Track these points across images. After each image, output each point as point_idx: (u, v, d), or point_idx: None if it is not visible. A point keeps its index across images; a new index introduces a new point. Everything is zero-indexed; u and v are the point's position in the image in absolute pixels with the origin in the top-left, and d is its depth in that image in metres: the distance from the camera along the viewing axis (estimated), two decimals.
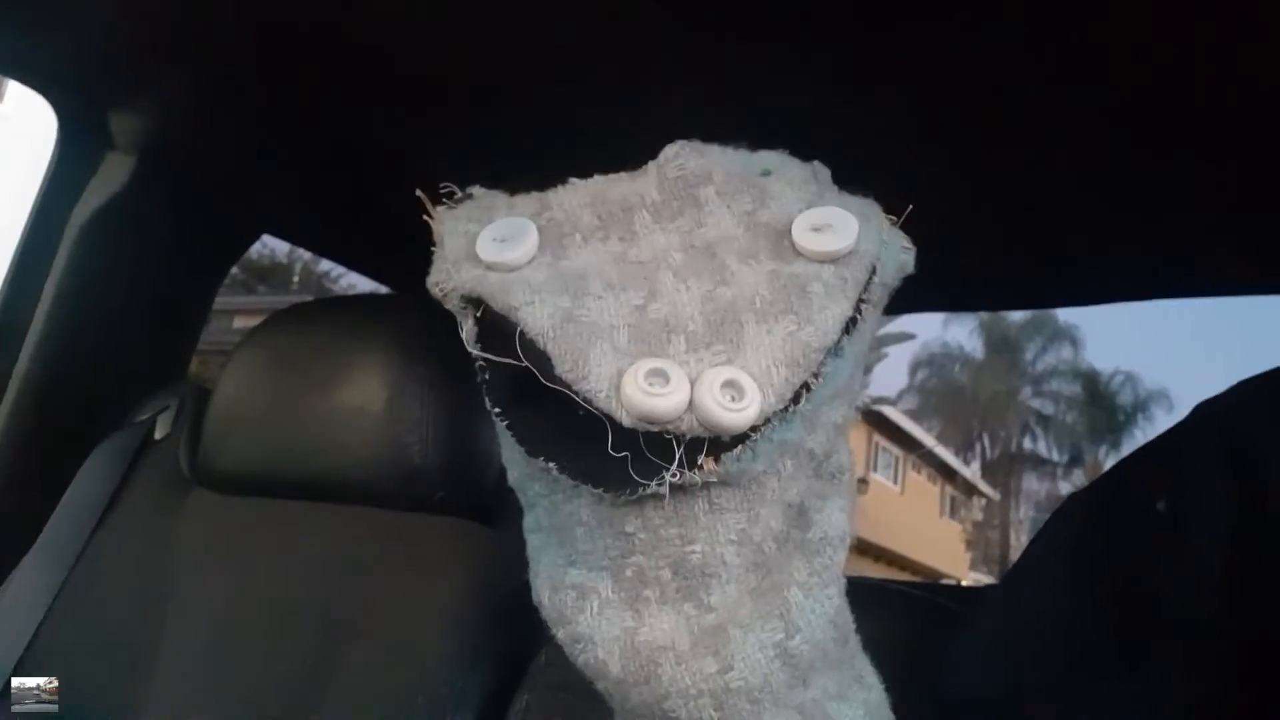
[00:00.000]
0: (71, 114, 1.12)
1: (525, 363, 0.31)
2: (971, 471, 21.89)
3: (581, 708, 0.54)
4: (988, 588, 1.59)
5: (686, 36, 0.86)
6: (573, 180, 0.37)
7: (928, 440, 19.88)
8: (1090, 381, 21.27)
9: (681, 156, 0.37)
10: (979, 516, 22.78)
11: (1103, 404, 21.04)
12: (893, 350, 17.31)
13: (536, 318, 0.32)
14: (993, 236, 1.23)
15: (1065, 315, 20.70)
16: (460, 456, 0.94)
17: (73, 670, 0.94)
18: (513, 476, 0.36)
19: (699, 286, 0.33)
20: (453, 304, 0.34)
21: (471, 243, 0.34)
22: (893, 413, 18.81)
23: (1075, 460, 21.82)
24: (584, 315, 0.32)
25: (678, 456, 0.30)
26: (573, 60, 0.92)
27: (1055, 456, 22.11)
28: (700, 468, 0.30)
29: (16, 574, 1.01)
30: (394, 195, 1.01)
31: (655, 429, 0.30)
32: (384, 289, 1.64)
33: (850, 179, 0.38)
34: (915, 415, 20.54)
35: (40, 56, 1.05)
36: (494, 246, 0.34)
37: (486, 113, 1.02)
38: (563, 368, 0.31)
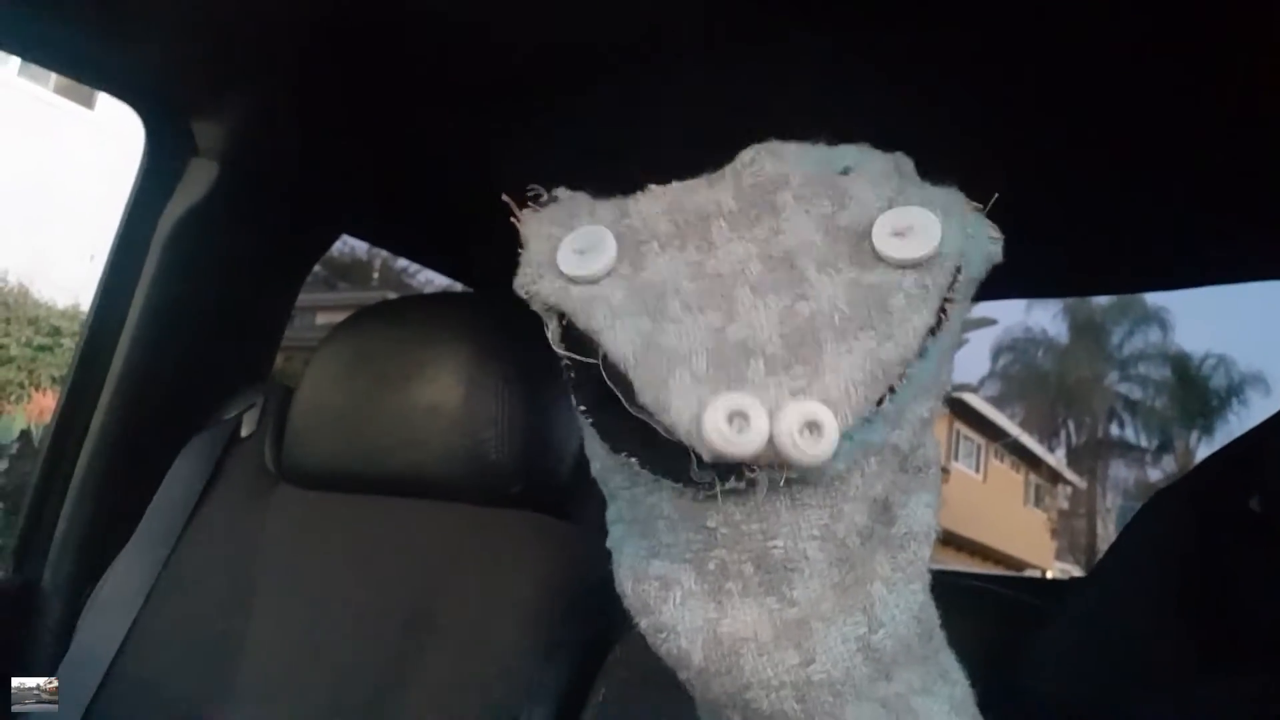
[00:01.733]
0: (158, 124, 1.16)
1: (609, 383, 0.32)
2: (1056, 459, 21.39)
3: (659, 700, 0.54)
4: (1070, 581, 1.55)
5: (760, 22, 0.86)
6: (652, 187, 0.37)
7: (1011, 427, 19.48)
8: (1180, 365, 20.59)
9: (758, 162, 0.36)
10: (1065, 505, 22.27)
11: (1194, 388, 20.35)
12: (974, 335, 16.89)
13: (619, 344, 0.32)
14: (1075, 221, 1.20)
15: (1153, 297, 20.07)
16: (536, 451, 0.95)
17: (168, 659, 0.98)
18: (595, 469, 0.36)
19: (777, 302, 0.32)
20: (538, 307, 0.35)
21: (554, 249, 0.35)
22: (975, 400, 18.46)
23: (1165, 446, 21.19)
24: (664, 340, 0.32)
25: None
26: (647, 51, 0.92)
27: (1144, 443, 21.51)
28: (780, 469, 0.30)
29: (115, 567, 1.05)
30: (469, 194, 1.02)
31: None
32: (459, 285, 1.66)
33: (925, 168, 0.37)
34: (997, 402, 20.14)
35: (128, 70, 1.09)
36: (574, 259, 0.34)
37: (562, 107, 1.03)
38: (645, 397, 0.31)
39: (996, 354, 21.00)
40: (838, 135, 0.38)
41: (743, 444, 0.29)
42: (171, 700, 0.96)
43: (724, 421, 0.29)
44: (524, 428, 0.94)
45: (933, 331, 0.32)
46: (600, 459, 0.35)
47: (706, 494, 0.31)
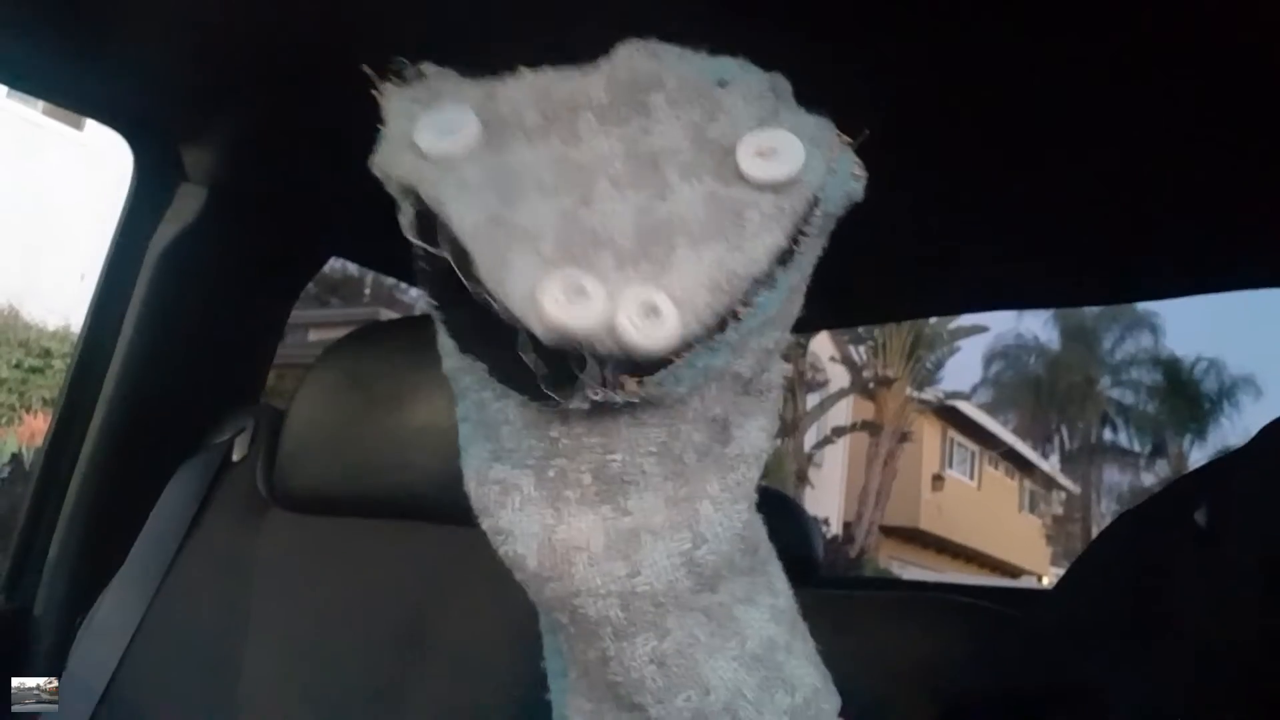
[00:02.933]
0: (146, 149, 1.16)
1: (450, 260, 0.31)
2: (1050, 465, 21.43)
3: None
4: (1046, 592, 1.57)
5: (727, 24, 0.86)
6: (522, 70, 0.36)
7: (1004, 434, 19.51)
8: (1172, 369, 20.65)
9: (635, 58, 0.35)
10: (1059, 511, 22.29)
11: (1186, 392, 20.41)
12: (965, 343, 17.00)
13: (461, 216, 0.31)
14: (1064, 233, 1.21)
15: (1144, 303, 20.15)
16: None
17: (161, 685, 0.98)
18: (446, 366, 0.35)
19: (635, 198, 0.32)
20: (393, 189, 0.34)
21: (413, 127, 0.34)
22: (967, 407, 18.49)
23: (1158, 450, 21.24)
24: (510, 217, 0.31)
25: (601, 375, 0.29)
26: None
27: (1137, 447, 21.54)
28: (622, 387, 0.30)
29: (107, 594, 1.05)
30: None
31: (570, 346, 0.29)
32: None
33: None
34: (990, 409, 20.16)
35: (115, 97, 1.09)
36: (432, 136, 0.33)
37: None
38: (482, 270, 0.30)
39: (988, 361, 21.05)
40: None
41: (578, 316, 0.29)
42: None
43: (560, 292, 0.29)
44: None
45: (783, 262, 0.32)
46: (450, 356, 0.34)
47: (550, 408, 0.31)
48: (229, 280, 1.24)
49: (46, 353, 7.54)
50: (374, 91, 0.35)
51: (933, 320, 14.11)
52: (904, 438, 14.72)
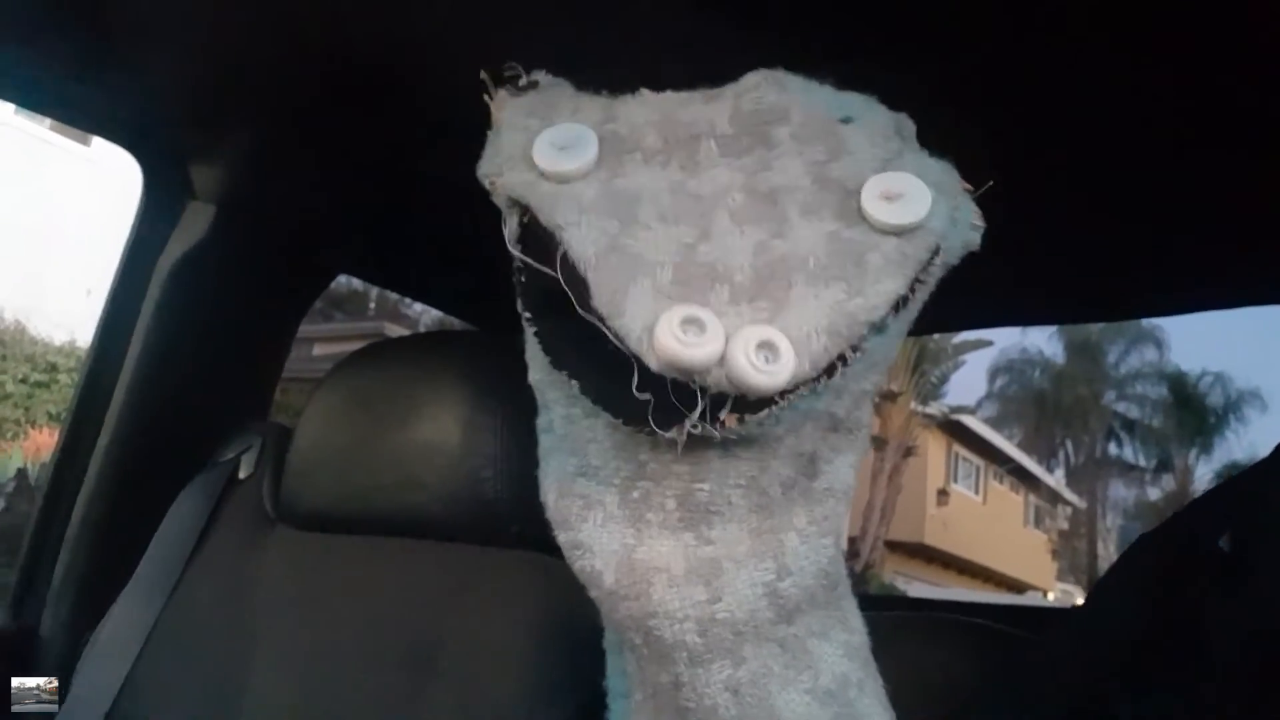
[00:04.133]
0: (155, 167, 1.17)
1: (563, 283, 0.31)
2: (1055, 479, 21.35)
3: None
4: (1057, 613, 1.56)
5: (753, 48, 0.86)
6: (644, 92, 0.36)
7: (1009, 449, 19.45)
8: (1177, 383, 20.60)
9: (761, 89, 0.35)
10: (1065, 525, 22.20)
11: (1191, 406, 20.36)
12: (970, 358, 16.98)
13: (581, 242, 0.31)
14: (1070, 250, 1.21)
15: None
16: (534, 490, 0.94)
17: (167, 704, 0.98)
18: (533, 378, 0.36)
19: (754, 234, 0.32)
20: (499, 199, 0.34)
21: (530, 141, 0.34)
22: (972, 422, 18.45)
23: (1164, 465, 21.17)
24: (630, 246, 0.31)
25: (700, 408, 0.29)
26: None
27: (1142, 462, 21.48)
28: (721, 423, 0.30)
29: (113, 612, 1.04)
30: (467, 231, 1.03)
31: (683, 378, 0.29)
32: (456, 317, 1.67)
33: None
34: (995, 423, 20.12)
35: (123, 115, 1.10)
36: (550, 153, 0.33)
37: None
38: (599, 299, 0.30)
39: (993, 375, 21.01)
40: None
41: (694, 350, 0.28)
42: None
43: (678, 326, 0.29)
44: (521, 467, 0.93)
45: (897, 308, 0.31)
46: (540, 370, 0.35)
47: (642, 434, 0.31)
48: (237, 298, 1.24)
49: (53, 367, 7.56)
50: (486, 97, 0.35)
51: (936, 334, 14.10)
52: (908, 452, 14.70)
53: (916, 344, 13.85)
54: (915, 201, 0.32)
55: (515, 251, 0.33)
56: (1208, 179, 0.98)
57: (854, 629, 0.37)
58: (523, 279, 0.33)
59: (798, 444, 0.33)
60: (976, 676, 0.66)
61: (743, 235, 0.32)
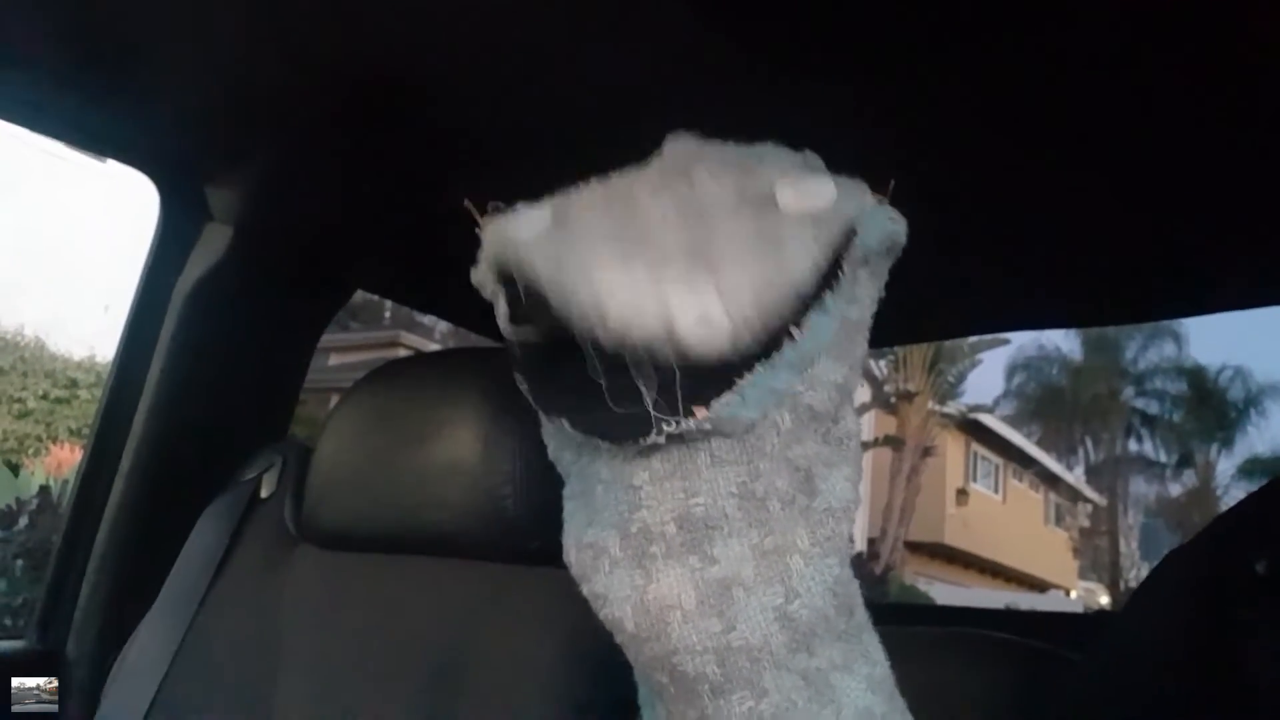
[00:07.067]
0: (171, 189, 1.18)
1: (528, 308, 0.35)
2: (1075, 477, 21.22)
3: None
4: (1084, 623, 1.54)
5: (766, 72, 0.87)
6: (592, 181, 0.40)
7: (1028, 447, 19.35)
8: (1197, 378, 20.43)
9: (678, 144, 0.39)
10: (1085, 523, 22.07)
11: (1212, 401, 20.20)
12: (987, 355, 16.89)
13: (536, 263, 0.34)
14: (1088, 253, 1.21)
15: None
16: (553, 506, 0.94)
17: None
18: (550, 452, 0.39)
19: (686, 235, 0.35)
20: (488, 292, 0.38)
21: (503, 229, 0.37)
22: (991, 420, 18.36)
23: (1185, 461, 21.00)
24: (576, 257, 0.34)
25: (671, 404, 0.32)
26: (650, 103, 0.93)
27: (1163, 458, 21.29)
28: (692, 415, 0.32)
29: (138, 633, 1.05)
30: (478, 247, 1.03)
31: (630, 353, 0.32)
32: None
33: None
34: (1013, 421, 20.00)
35: (139, 139, 1.11)
36: (519, 225, 0.37)
37: (571, 165, 1.04)
38: (554, 299, 0.33)
39: (1010, 373, 20.85)
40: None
41: (642, 318, 0.32)
42: None
43: (619, 283, 0.32)
44: (540, 483, 0.94)
45: (830, 286, 0.34)
46: (552, 438, 0.38)
47: (633, 450, 0.34)
48: (255, 318, 1.25)
49: (73, 383, 7.61)
50: (474, 227, 0.39)
51: None
52: (927, 452, 14.64)
53: (933, 343, 13.80)
54: (822, 191, 0.36)
55: (505, 327, 0.37)
56: (1226, 180, 0.97)
57: (876, 661, 0.38)
58: (517, 353, 0.37)
59: (784, 447, 0.35)
60: (1004, 699, 0.66)
61: (674, 233, 0.35)
